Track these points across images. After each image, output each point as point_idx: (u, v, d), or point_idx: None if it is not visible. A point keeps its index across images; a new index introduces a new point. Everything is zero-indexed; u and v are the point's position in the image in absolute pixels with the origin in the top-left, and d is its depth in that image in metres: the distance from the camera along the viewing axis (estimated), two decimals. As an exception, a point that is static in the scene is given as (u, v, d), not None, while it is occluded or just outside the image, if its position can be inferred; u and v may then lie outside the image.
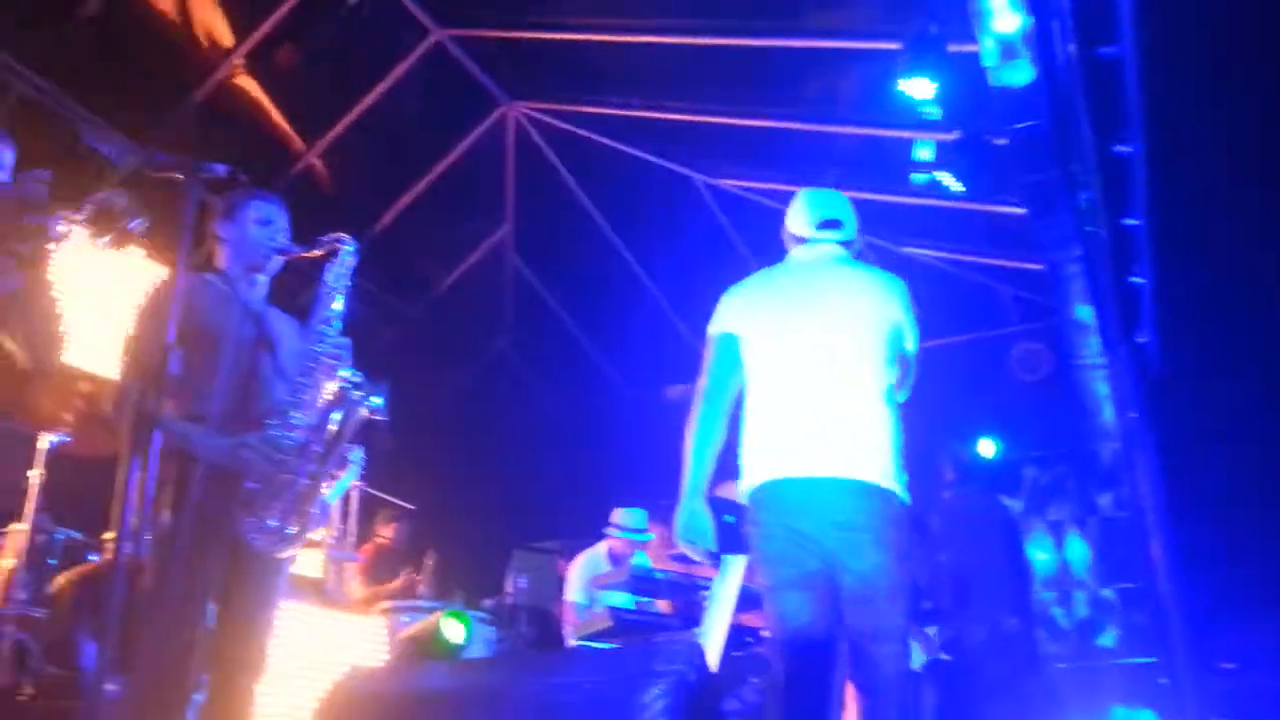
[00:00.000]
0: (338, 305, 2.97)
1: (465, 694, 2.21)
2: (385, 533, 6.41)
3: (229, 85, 5.67)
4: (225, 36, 5.52)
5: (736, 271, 3.59)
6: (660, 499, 6.14)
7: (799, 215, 3.05)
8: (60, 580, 4.70)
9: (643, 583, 5.07)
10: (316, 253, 2.98)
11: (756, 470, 2.79)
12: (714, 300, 3.72)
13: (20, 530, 4.57)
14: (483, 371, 7.84)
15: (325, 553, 5.72)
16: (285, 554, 2.83)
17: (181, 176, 2.11)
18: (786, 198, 3.19)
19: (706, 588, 4.51)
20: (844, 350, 2.79)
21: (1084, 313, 5.63)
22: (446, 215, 6.68)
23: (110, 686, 2.94)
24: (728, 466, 3.06)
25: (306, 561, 5.44)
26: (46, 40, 4.89)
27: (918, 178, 5.24)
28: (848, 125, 5.70)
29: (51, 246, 2.43)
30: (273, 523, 2.75)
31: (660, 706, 1.72)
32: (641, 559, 5.86)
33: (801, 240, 3.03)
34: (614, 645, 4.74)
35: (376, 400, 2.92)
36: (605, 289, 7.17)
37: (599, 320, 7.49)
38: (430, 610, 5.70)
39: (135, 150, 5.17)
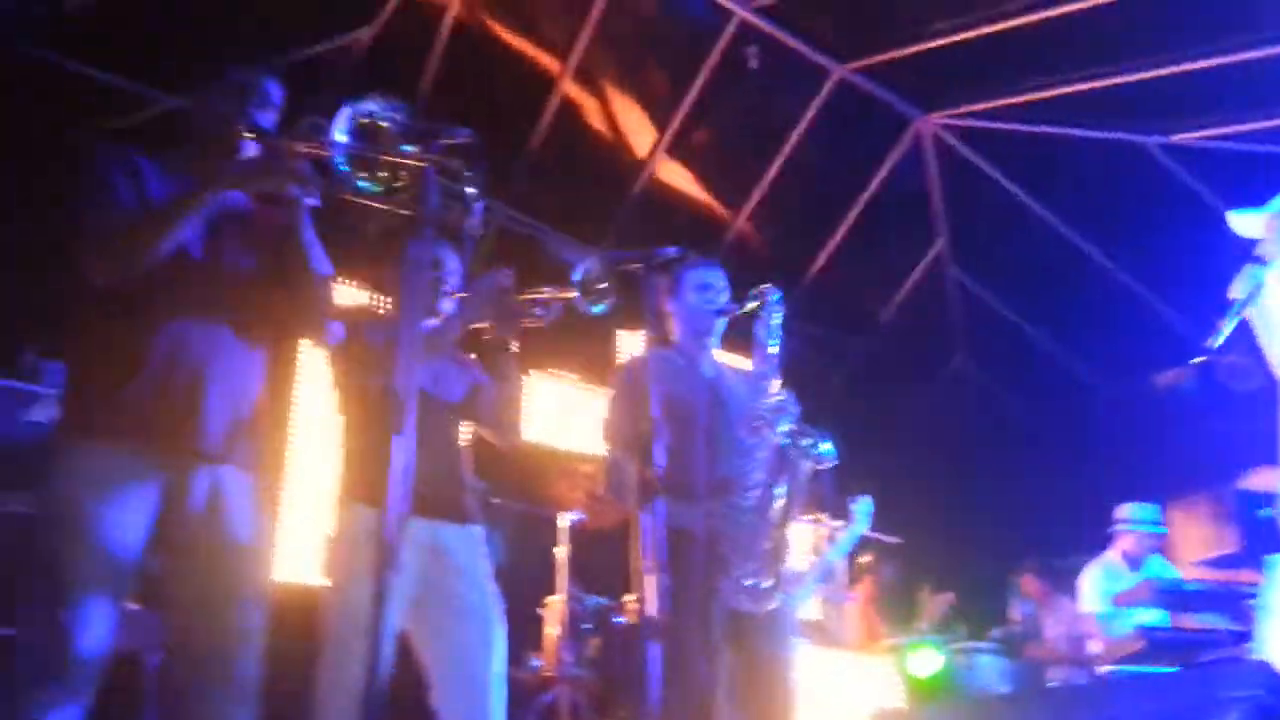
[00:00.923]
0: (773, 353, 3.02)
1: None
2: (876, 570, 6.39)
3: (658, 175, 6.16)
4: (648, 131, 6.01)
5: (1212, 232, 3.14)
6: (1164, 496, 5.52)
7: None
8: (597, 642, 5.23)
9: (1172, 595, 4.54)
10: (750, 306, 3.07)
11: None
12: (1193, 269, 3.28)
13: (557, 601, 5.17)
14: (943, 393, 7.59)
15: (820, 595, 5.81)
16: (767, 608, 2.88)
17: (640, 265, 2.28)
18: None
19: (1252, 595, 3.94)
20: None
21: None
22: (879, 243, 6.62)
23: None
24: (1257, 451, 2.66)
25: (804, 605, 5.56)
26: (508, 174, 5.64)
27: None
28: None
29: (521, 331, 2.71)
30: (748, 582, 2.83)
31: (1240, 735, 1.50)
32: (1161, 566, 5.27)
33: None
34: (1151, 669, 4.28)
35: (825, 448, 2.90)
36: (1059, 283, 6.63)
37: (1058, 317, 6.95)
38: (934, 644, 5.56)
39: (590, 251, 5.76)
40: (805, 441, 2.88)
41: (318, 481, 5.15)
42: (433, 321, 2.72)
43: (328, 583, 2.62)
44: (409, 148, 1.86)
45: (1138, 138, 5.64)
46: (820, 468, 2.91)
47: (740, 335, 3.19)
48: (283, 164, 2.03)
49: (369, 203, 1.89)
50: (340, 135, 1.86)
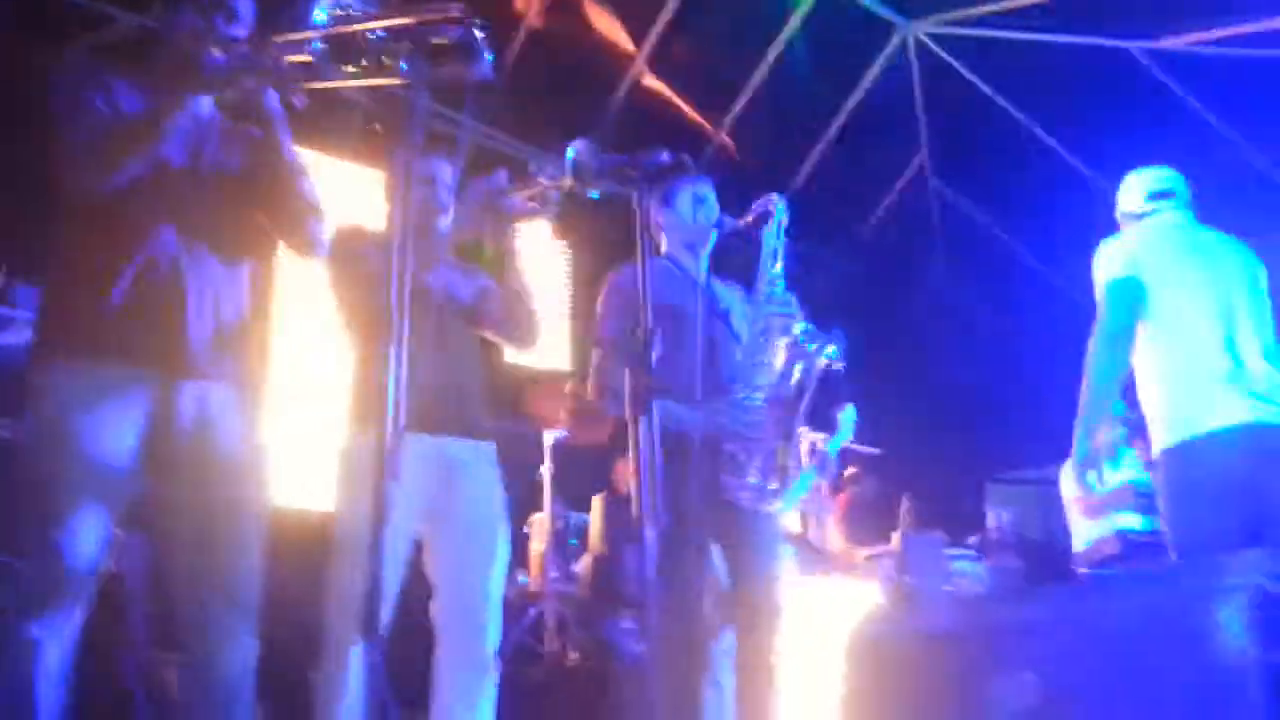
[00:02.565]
0: (778, 264, 3.05)
1: (997, 628, 2.12)
2: (856, 481, 6.46)
3: (637, 89, 6.03)
4: (625, 44, 5.87)
5: (1201, 144, 3.25)
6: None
7: (1129, 194, 3.25)
8: (585, 559, 5.29)
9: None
10: (748, 218, 3.08)
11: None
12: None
13: (542, 518, 5.21)
14: (924, 305, 7.62)
15: (800, 506, 5.87)
16: (770, 509, 2.93)
17: (631, 171, 2.24)
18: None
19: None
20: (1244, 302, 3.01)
21: None
22: (859, 156, 6.56)
23: (638, 647, 3.21)
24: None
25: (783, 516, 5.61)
26: (483, 92, 5.52)
27: None
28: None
29: (520, 227, 2.68)
30: (753, 481, 2.86)
31: (1240, 624, 1.51)
32: (1134, 462, 5.34)
33: (1137, 217, 3.21)
34: (1126, 572, 4.37)
35: (832, 349, 2.93)
36: (1041, 195, 6.60)
37: (1039, 230, 6.93)
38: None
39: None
40: (813, 344, 2.89)
41: (311, 403, 5.15)
42: (431, 233, 2.68)
43: (332, 504, 2.62)
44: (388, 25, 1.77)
45: (1122, 43, 5.56)
46: (830, 367, 2.94)
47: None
48: (261, 60, 1.95)
49: (355, 87, 1.82)
50: (316, 22, 1.77)
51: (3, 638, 1.92)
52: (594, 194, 2.37)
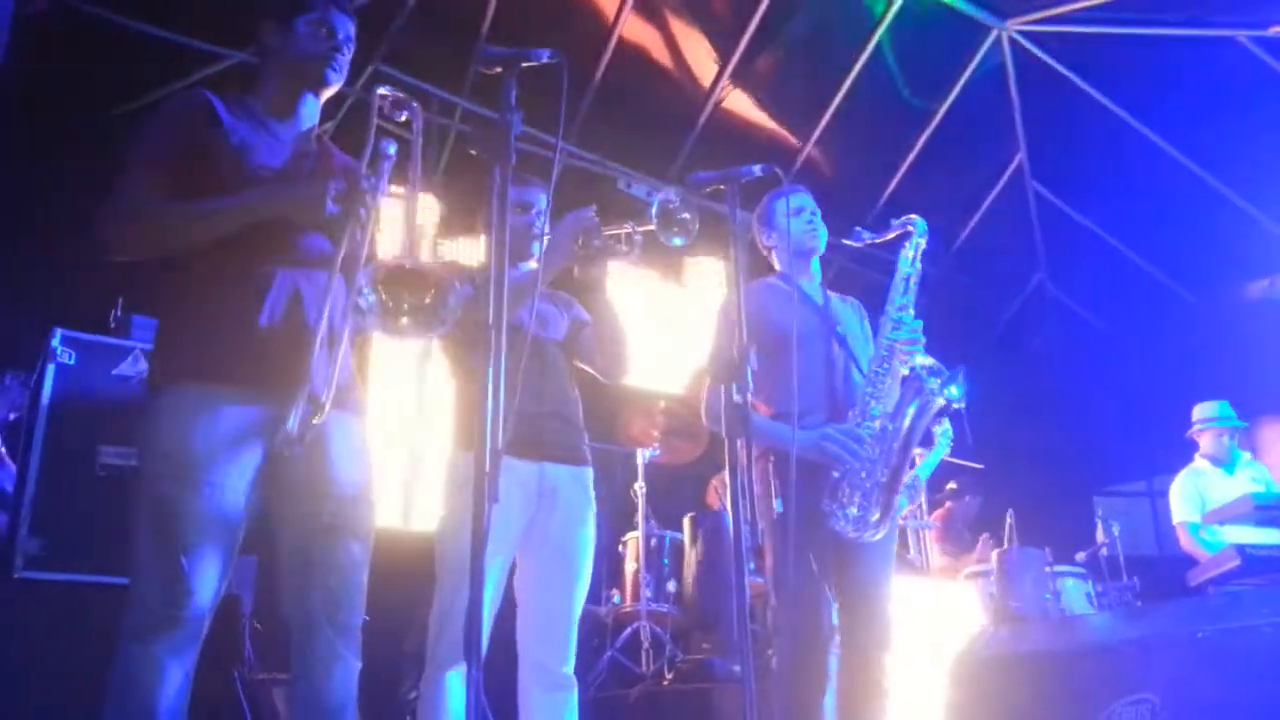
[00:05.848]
0: (912, 289, 2.96)
1: (1110, 649, 2.03)
2: (957, 496, 6.30)
3: (723, 104, 6.02)
4: (711, 61, 5.87)
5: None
6: (1258, 412, 5.30)
7: None
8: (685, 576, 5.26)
9: (1270, 511, 4.39)
10: (888, 236, 3.00)
11: None
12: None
13: (636, 537, 5.20)
14: (1022, 312, 7.41)
15: (901, 523, 5.75)
16: (869, 539, 2.83)
17: (723, 186, 2.22)
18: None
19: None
20: None
21: None
22: (955, 160, 6.42)
23: (736, 667, 3.14)
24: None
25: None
26: (572, 112, 5.59)
27: None
28: None
29: (611, 266, 2.67)
30: (853, 511, 2.78)
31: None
32: (1251, 464, 5.10)
33: None
34: (1247, 587, 4.15)
35: (954, 391, 2.80)
36: (1144, 192, 6.36)
37: (1143, 228, 6.68)
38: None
39: (660, 185, 5.68)
40: (934, 381, 2.79)
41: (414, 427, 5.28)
42: (528, 266, 2.70)
43: (436, 527, 2.66)
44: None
45: (1228, 31, 5.33)
46: (951, 406, 2.79)
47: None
48: (356, 201, 1.97)
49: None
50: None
51: (128, 656, 1.92)
52: (677, 241, 2.35)
